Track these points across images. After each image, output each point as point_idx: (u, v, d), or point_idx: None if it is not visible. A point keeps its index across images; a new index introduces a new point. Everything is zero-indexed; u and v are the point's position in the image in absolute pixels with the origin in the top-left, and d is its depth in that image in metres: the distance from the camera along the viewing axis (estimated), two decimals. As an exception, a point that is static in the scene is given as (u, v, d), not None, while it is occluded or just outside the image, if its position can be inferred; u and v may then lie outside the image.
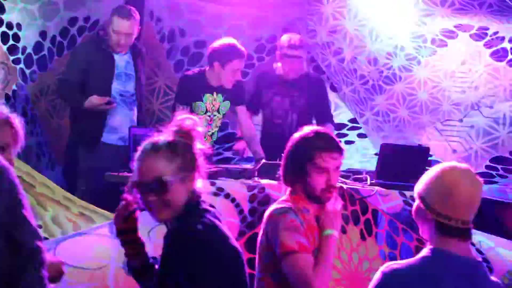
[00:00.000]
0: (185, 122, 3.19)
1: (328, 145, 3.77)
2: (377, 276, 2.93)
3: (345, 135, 7.58)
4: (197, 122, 3.22)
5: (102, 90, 6.37)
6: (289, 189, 3.86)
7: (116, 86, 6.46)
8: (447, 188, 2.90)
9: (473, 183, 2.94)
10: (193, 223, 3.05)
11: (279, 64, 6.78)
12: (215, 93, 6.40)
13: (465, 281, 2.87)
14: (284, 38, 6.72)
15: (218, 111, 6.44)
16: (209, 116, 6.40)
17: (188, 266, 2.95)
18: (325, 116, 6.88)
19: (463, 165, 3.03)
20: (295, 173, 3.78)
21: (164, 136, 3.14)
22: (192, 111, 6.32)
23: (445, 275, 2.85)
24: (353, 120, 7.59)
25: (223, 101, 6.44)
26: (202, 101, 6.36)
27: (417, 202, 3.01)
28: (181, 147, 3.12)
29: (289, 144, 3.87)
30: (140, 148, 3.14)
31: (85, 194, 6.14)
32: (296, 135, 3.87)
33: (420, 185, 3.01)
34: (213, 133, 6.51)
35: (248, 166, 5.76)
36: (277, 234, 3.63)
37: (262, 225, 3.81)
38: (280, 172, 3.91)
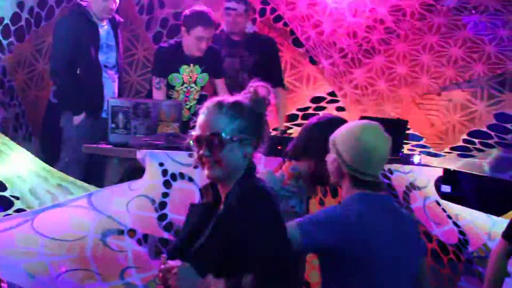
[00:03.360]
0: (259, 89, 3.18)
1: None
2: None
3: (324, 108, 7.58)
4: (271, 91, 3.21)
5: (90, 62, 6.33)
6: (288, 164, 3.86)
7: (100, 57, 6.41)
8: (366, 150, 3.27)
9: (386, 143, 3.33)
10: (256, 182, 3.09)
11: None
12: (192, 65, 6.36)
13: (388, 214, 3.29)
14: None
15: (195, 83, 6.41)
16: (186, 88, 6.37)
17: (260, 218, 2.97)
18: (276, 80, 6.72)
19: (375, 124, 3.40)
20: (320, 149, 3.65)
21: (233, 98, 3.13)
22: (168, 84, 6.30)
23: (370, 209, 3.25)
24: (331, 93, 7.59)
25: (201, 73, 6.41)
26: (178, 72, 6.33)
27: (334, 157, 3.36)
28: (246, 110, 3.10)
29: (314, 122, 3.88)
30: (204, 105, 3.12)
31: (68, 165, 6.14)
32: (317, 118, 3.94)
33: (338, 142, 3.35)
34: (191, 106, 6.48)
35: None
36: None
37: None
38: (293, 145, 3.90)
